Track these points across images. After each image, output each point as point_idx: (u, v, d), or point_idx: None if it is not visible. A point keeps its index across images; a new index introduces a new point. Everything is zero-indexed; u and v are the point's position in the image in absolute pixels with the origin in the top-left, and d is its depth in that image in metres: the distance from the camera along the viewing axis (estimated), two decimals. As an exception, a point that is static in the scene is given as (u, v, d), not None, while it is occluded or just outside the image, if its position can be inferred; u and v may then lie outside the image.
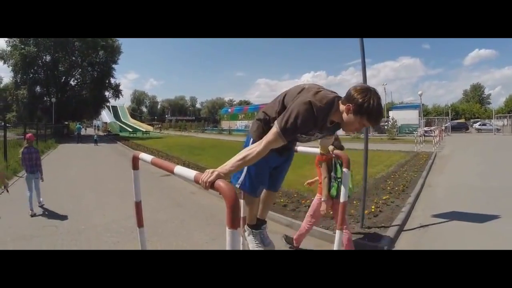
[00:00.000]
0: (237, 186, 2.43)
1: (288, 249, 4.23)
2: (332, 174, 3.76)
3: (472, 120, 47.88)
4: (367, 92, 1.84)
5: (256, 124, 2.34)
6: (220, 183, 1.39)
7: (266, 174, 2.47)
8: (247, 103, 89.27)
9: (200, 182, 1.53)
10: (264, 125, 2.26)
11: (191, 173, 1.64)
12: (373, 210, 5.48)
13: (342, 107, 1.93)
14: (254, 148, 1.85)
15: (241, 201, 2.49)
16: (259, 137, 2.11)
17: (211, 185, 1.47)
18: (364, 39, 4.83)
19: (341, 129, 2.12)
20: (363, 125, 1.93)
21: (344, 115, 1.92)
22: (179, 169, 1.76)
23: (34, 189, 5.83)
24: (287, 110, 1.93)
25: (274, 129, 1.90)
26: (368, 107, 1.81)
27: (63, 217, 5.54)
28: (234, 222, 1.23)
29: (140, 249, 2.59)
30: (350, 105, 1.86)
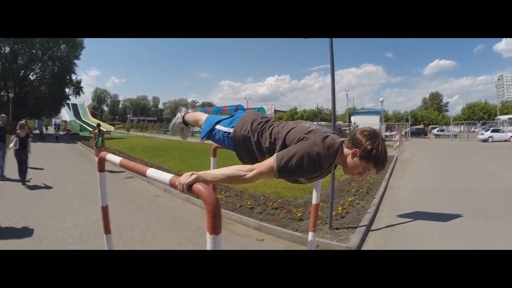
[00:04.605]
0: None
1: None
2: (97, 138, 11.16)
3: (430, 126, 49.99)
4: (375, 138, 1.80)
5: (245, 129, 2.16)
6: (199, 186, 1.32)
7: None
8: (210, 104, 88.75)
9: (176, 184, 1.45)
10: (248, 142, 2.13)
11: (166, 176, 1.56)
12: (340, 211, 5.57)
13: (346, 150, 1.87)
14: (244, 173, 1.74)
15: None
16: (235, 143, 2.17)
17: (189, 188, 1.40)
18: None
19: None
20: (367, 170, 1.87)
21: (349, 159, 1.86)
22: (152, 171, 1.67)
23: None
24: (291, 150, 1.80)
25: (271, 163, 1.77)
26: (377, 154, 1.77)
27: (21, 223, 5.18)
28: (215, 228, 1.17)
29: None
30: (357, 150, 1.80)
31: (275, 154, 1.81)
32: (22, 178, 8.24)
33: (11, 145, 8.37)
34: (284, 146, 1.92)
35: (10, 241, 4.41)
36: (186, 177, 1.45)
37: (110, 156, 2.18)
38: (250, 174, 1.74)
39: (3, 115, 9.80)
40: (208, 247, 1.18)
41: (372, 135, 1.83)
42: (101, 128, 12.31)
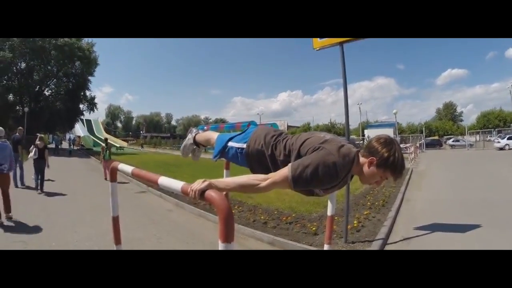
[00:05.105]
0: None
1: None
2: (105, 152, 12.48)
3: (445, 137, 49.20)
4: (392, 145, 1.75)
5: (259, 144, 2.13)
6: (212, 193, 1.28)
7: None
8: (223, 121, 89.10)
9: (189, 191, 1.41)
10: (262, 156, 2.10)
11: (177, 184, 1.52)
12: (355, 225, 5.43)
13: (363, 159, 1.81)
14: (258, 182, 1.70)
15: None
16: (249, 158, 2.15)
17: (201, 195, 1.35)
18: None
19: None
20: (385, 178, 1.82)
21: (366, 168, 1.80)
22: (163, 180, 1.63)
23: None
24: (306, 159, 1.76)
25: (286, 173, 1.72)
26: (394, 161, 1.72)
27: (33, 232, 5.25)
28: (228, 236, 1.12)
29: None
30: (374, 158, 1.75)
31: (289, 164, 1.77)
32: (38, 187, 9.10)
33: (31, 154, 9.19)
34: (299, 157, 1.87)
35: (21, 250, 4.41)
36: (198, 184, 1.41)
37: (123, 166, 2.16)
38: (264, 184, 1.70)
39: (21, 128, 10.61)
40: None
41: (388, 142, 1.77)
42: (108, 142, 14.19)
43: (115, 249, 2.37)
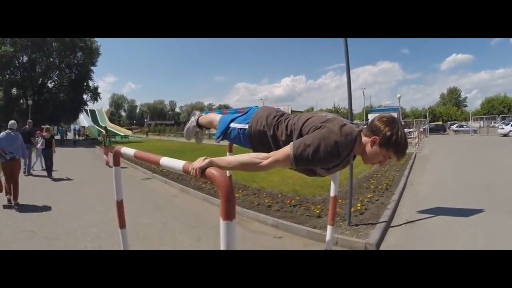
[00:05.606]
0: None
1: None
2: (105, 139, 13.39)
3: (449, 122, 48.80)
4: (395, 124, 1.72)
5: (261, 126, 2.11)
6: (213, 170, 1.28)
7: None
8: (226, 107, 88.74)
9: (190, 169, 1.41)
10: (264, 136, 2.08)
11: (179, 163, 1.52)
12: (359, 208, 5.46)
13: (365, 139, 1.79)
14: (260, 160, 1.70)
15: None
16: (251, 138, 2.12)
17: (202, 172, 1.35)
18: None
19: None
20: (388, 158, 1.78)
21: (368, 148, 1.77)
22: (165, 160, 1.64)
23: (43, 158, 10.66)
24: (308, 138, 1.74)
25: (287, 151, 1.71)
26: (397, 140, 1.69)
27: (40, 221, 5.32)
28: (229, 213, 1.12)
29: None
30: (377, 137, 1.72)
31: (291, 143, 1.75)
32: (49, 173, 10.07)
33: (38, 145, 10.46)
34: (301, 136, 1.85)
35: (29, 239, 4.50)
36: (199, 162, 1.41)
37: (125, 149, 2.16)
38: (265, 162, 1.70)
39: (30, 120, 11.31)
40: (222, 233, 1.13)
41: (391, 121, 1.74)
42: (108, 129, 16.21)
43: (119, 232, 2.40)
